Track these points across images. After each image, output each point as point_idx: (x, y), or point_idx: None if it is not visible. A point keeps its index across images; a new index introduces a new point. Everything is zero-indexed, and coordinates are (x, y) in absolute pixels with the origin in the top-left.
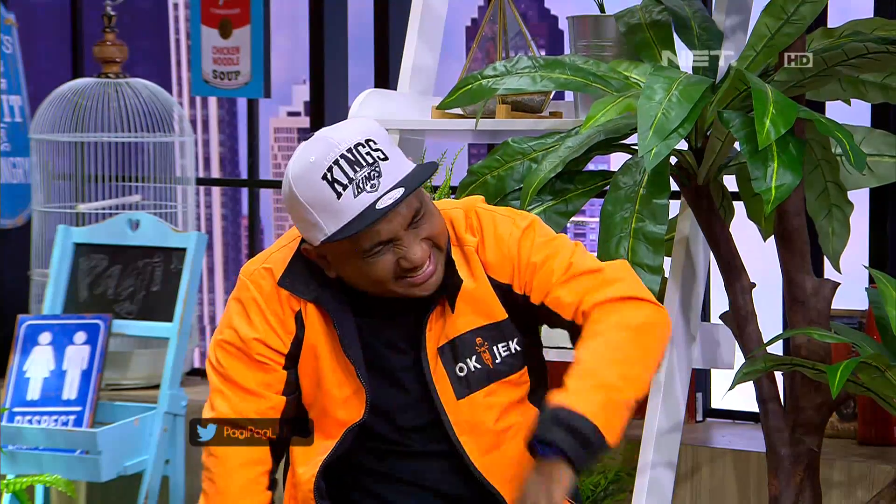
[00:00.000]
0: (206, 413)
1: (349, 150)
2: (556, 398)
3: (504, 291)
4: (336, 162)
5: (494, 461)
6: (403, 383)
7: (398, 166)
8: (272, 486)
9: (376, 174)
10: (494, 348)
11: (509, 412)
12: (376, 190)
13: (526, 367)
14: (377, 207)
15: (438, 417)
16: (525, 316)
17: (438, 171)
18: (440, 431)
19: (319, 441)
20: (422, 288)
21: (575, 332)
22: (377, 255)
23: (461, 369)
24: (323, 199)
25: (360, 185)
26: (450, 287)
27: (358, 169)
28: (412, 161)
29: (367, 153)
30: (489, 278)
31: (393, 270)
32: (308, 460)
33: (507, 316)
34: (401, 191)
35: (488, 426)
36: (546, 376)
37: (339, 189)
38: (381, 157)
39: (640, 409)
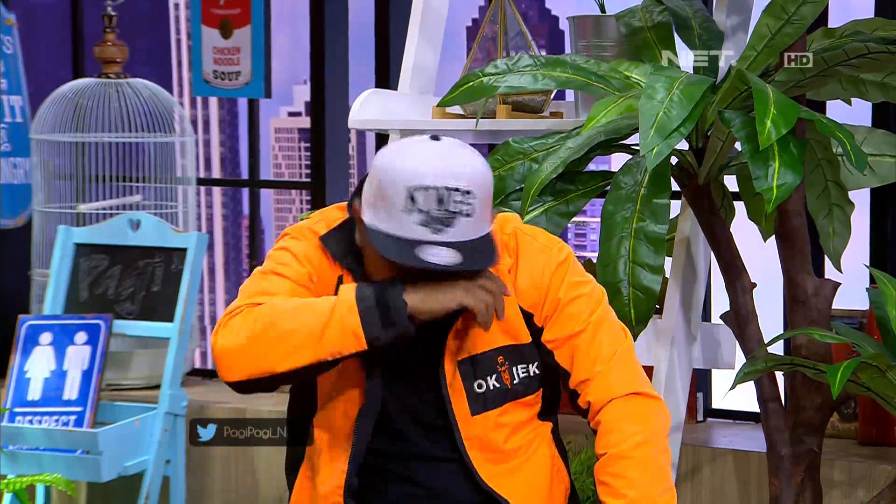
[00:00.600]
0: (258, 297)
1: (448, 189)
2: None
3: (527, 318)
4: (430, 189)
5: (503, 474)
6: (420, 387)
7: (474, 225)
8: None
9: (448, 223)
10: (514, 369)
11: (520, 431)
12: (437, 234)
13: (541, 390)
14: (421, 256)
15: (450, 428)
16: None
17: None
18: (451, 442)
19: (339, 439)
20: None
21: (572, 398)
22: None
23: (479, 386)
24: (394, 200)
25: (429, 221)
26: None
27: (439, 208)
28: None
29: (458, 202)
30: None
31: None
32: (333, 462)
33: (530, 340)
34: (453, 259)
35: (498, 445)
36: (559, 397)
37: (411, 208)
38: (467, 213)
39: None
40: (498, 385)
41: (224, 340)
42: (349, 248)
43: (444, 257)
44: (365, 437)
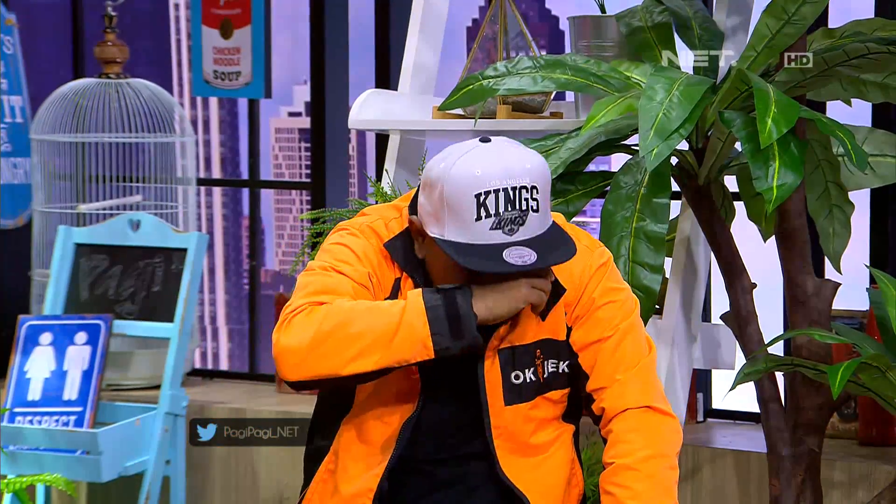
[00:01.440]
0: (323, 297)
1: (514, 189)
2: None
3: (563, 314)
4: (497, 191)
5: (523, 469)
6: (457, 377)
7: (541, 220)
8: None
9: (521, 222)
10: (547, 363)
11: (545, 428)
12: (512, 235)
13: (569, 390)
14: (509, 261)
15: (479, 416)
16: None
17: None
18: (477, 431)
19: (374, 445)
20: None
21: (587, 403)
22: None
23: (517, 377)
24: (462, 210)
25: (502, 224)
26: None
27: (510, 209)
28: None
29: (526, 199)
30: None
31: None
32: (366, 467)
33: (565, 337)
34: (529, 257)
35: (524, 438)
36: (581, 403)
37: (483, 214)
38: (534, 208)
39: None
40: (534, 378)
41: (288, 339)
42: (410, 255)
43: (527, 257)
44: (406, 445)
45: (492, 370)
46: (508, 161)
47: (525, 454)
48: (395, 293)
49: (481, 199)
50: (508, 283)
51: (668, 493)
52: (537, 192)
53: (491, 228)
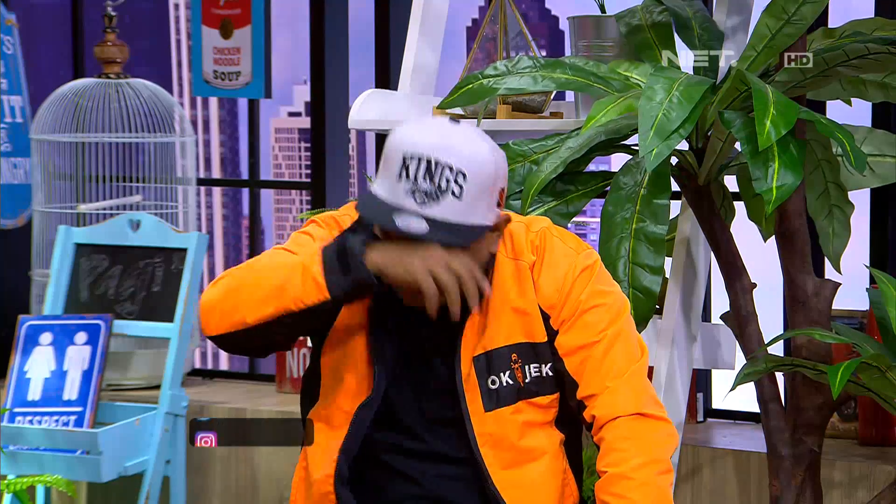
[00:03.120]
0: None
1: (437, 163)
2: None
3: (545, 318)
4: (420, 159)
5: (512, 479)
6: (432, 381)
7: (462, 212)
8: None
9: (434, 198)
10: (526, 367)
11: (534, 432)
12: (422, 207)
13: (557, 394)
14: (394, 218)
15: (463, 425)
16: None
17: None
18: (462, 440)
19: (334, 430)
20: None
21: (578, 410)
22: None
23: (493, 382)
24: (391, 165)
25: (416, 191)
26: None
27: (427, 181)
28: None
29: (448, 179)
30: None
31: None
32: (325, 452)
33: (546, 339)
34: (416, 225)
35: (511, 442)
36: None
37: (403, 175)
38: (455, 193)
39: None
40: (511, 382)
41: (206, 296)
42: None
43: (412, 225)
44: (362, 428)
45: (469, 377)
46: (450, 140)
47: (514, 463)
48: None
49: (406, 160)
50: (414, 248)
51: (663, 497)
52: (464, 180)
53: (406, 193)
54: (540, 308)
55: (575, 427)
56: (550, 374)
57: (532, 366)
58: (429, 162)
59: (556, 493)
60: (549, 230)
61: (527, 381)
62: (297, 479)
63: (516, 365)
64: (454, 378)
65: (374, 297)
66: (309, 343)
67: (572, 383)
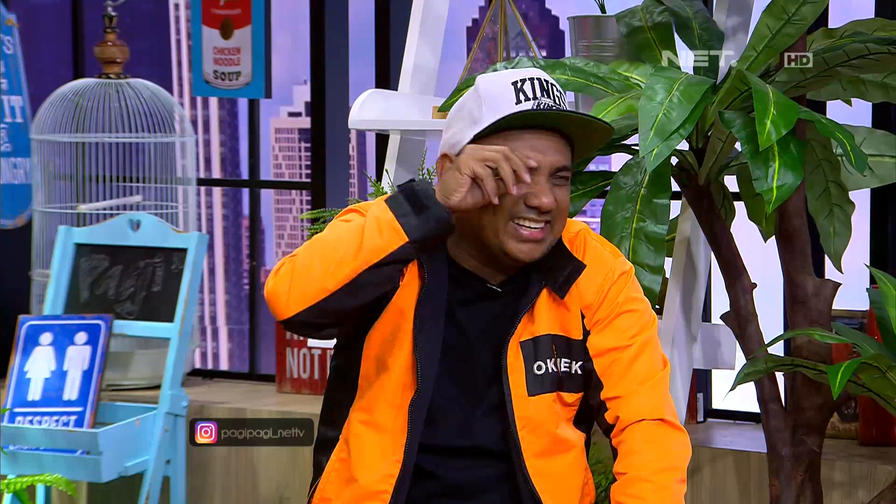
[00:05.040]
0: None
1: (546, 81)
2: None
3: (580, 316)
4: (532, 80)
5: (545, 468)
6: (477, 366)
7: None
8: None
9: (558, 106)
10: (560, 360)
11: (566, 424)
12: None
13: (581, 394)
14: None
15: (503, 408)
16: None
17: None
18: (498, 425)
19: (384, 428)
20: (527, 245)
21: (599, 412)
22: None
23: (539, 367)
24: (501, 97)
25: (541, 106)
26: (565, 272)
27: (546, 96)
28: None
29: (559, 96)
30: None
31: (514, 205)
32: (378, 450)
33: (581, 337)
34: (555, 104)
35: (549, 429)
36: (593, 415)
37: (522, 98)
38: (565, 103)
39: None
40: (554, 370)
41: (273, 280)
42: None
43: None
44: (419, 426)
45: (515, 363)
46: (533, 70)
47: (548, 452)
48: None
49: (518, 85)
50: (462, 157)
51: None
52: (564, 96)
53: (532, 109)
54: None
55: (590, 430)
56: (580, 372)
57: (564, 360)
58: (540, 81)
59: (579, 488)
60: (587, 232)
61: (561, 372)
62: (330, 472)
63: (554, 354)
64: (500, 363)
65: (424, 286)
66: (311, 342)
67: (598, 384)
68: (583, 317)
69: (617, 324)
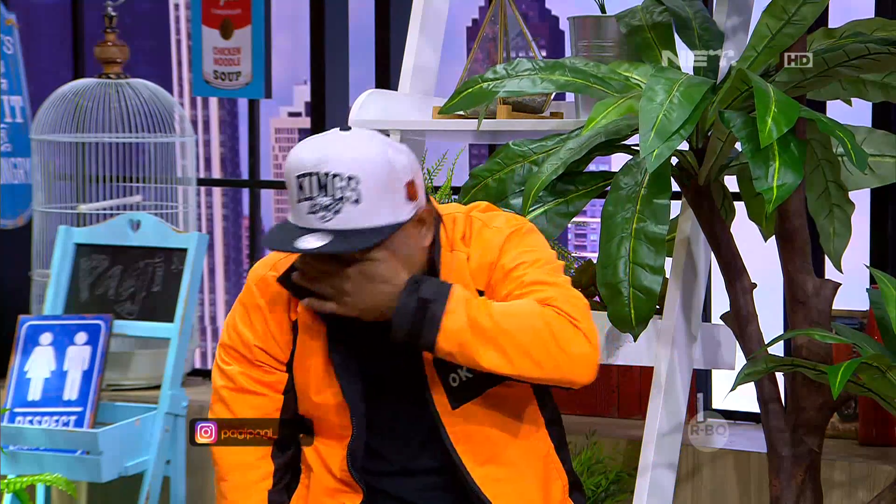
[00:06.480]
0: (210, 414)
1: (326, 175)
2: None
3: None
4: (311, 175)
5: (492, 474)
6: (398, 392)
7: (364, 214)
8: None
9: (335, 209)
10: None
11: (507, 421)
12: (325, 222)
13: None
14: (295, 245)
15: (435, 428)
16: None
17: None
18: (436, 444)
19: (333, 441)
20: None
21: None
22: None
23: (454, 379)
24: (291, 189)
25: (317, 208)
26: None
27: (323, 194)
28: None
29: (341, 188)
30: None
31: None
32: (329, 455)
33: None
34: (316, 243)
35: (486, 435)
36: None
37: (301, 196)
38: (353, 199)
39: (641, 410)
40: (471, 375)
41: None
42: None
43: (309, 242)
44: (363, 432)
45: (433, 378)
46: (335, 149)
47: (490, 458)
48: (294, 332)
49: (300, 181)
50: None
51: (518, 339)
52: (357, 183)
53: (308, 212)
54: (478, 291)
55: (557, 409)
56: None
57: None
58: (318, 175)
59: (540, 477)
60: (475, 216)
61: (477, 373)
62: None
63: None
64: (420, 381)
65: (329, 325)
66: None
67: None
68: (482, 294)
69: (511, 276)
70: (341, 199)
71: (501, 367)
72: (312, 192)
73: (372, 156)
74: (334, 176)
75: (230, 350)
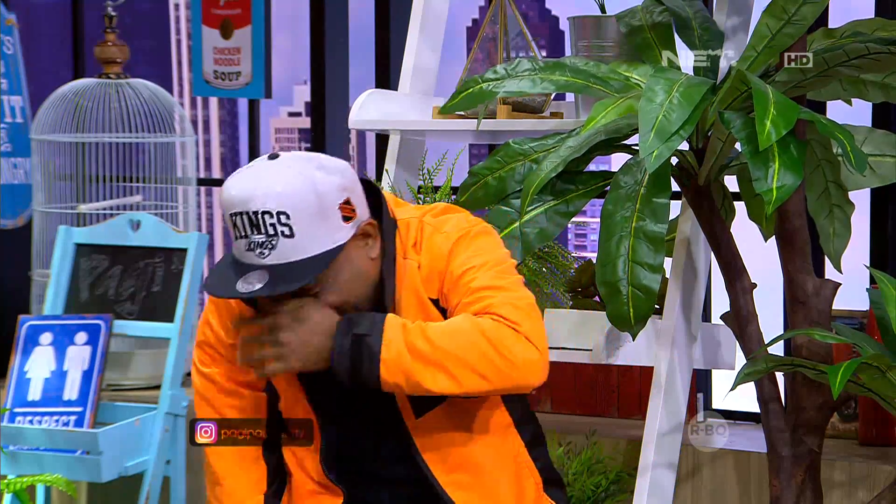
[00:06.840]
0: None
1: (255, 213)
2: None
3: (436, 304)
4: (242, 214)
5: (457, 481)
6: (366, 403)
7: (299, 247)
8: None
9: (270, 246)
10: None
11: (472, 426)
12: (263, 258)
13: None
14: (237, 288)
15: (402, 438)
16: None
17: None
18: (405, 454)
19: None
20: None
21: None
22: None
23: None
24: (230, 227)
25: (253, 246)
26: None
27: (256, 232)
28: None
29: (273, 224)
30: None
31: None
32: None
33: None
34: (254, 285)
35: (452, 441)
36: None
37: (237, 234)
38: (286, 234)
39: (641, 410)
40: None
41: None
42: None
43: (252, 286)
44: (334, 440)
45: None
46: (262, 184)
47: (458, 465)
48: None
49: (234, 219)
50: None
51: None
52: (288, 218)
53: (246, 250)
54: (430, 299)
55: (527, 407)
56: None
57: None
58: (248, 214)
59: (511, 476)
60: (427, 222)
61: None
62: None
63: None
64: (390, 396)
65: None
66: None
67: None
68: (437, 301)
69: (461, 283)
70: (274, 234)
71: (450, 388)
72: (246, 230)
73: (299, 187)
74: (264, 213)
75: (206, 347)
